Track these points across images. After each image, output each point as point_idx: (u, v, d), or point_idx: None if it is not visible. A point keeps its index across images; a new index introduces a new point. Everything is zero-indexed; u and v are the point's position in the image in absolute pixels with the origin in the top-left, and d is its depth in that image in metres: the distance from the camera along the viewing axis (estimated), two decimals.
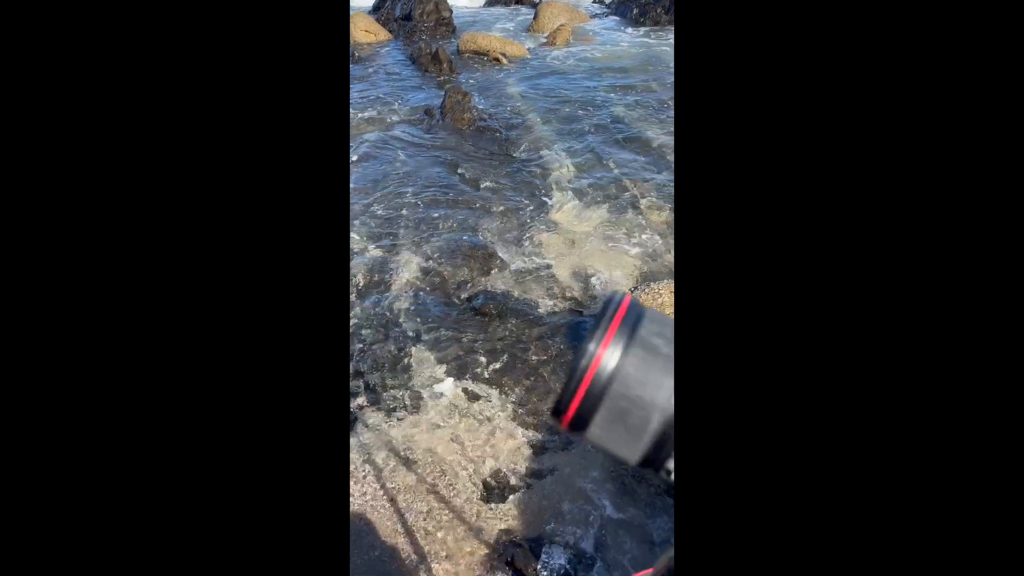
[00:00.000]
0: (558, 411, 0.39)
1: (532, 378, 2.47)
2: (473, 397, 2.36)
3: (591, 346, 0.37)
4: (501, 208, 3.82)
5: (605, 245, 3.51)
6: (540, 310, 2.86)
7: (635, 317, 0.38)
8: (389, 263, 3.22)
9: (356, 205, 3.81)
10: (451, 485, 2.02)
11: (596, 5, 10.18)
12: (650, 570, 0.66)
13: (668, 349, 0.37)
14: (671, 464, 0.36)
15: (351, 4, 10.15)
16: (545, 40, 7.92)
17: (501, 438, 2.19)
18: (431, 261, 3.25)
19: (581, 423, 0.38)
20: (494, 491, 2.01)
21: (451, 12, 9.00)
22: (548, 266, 3.25)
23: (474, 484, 2.03)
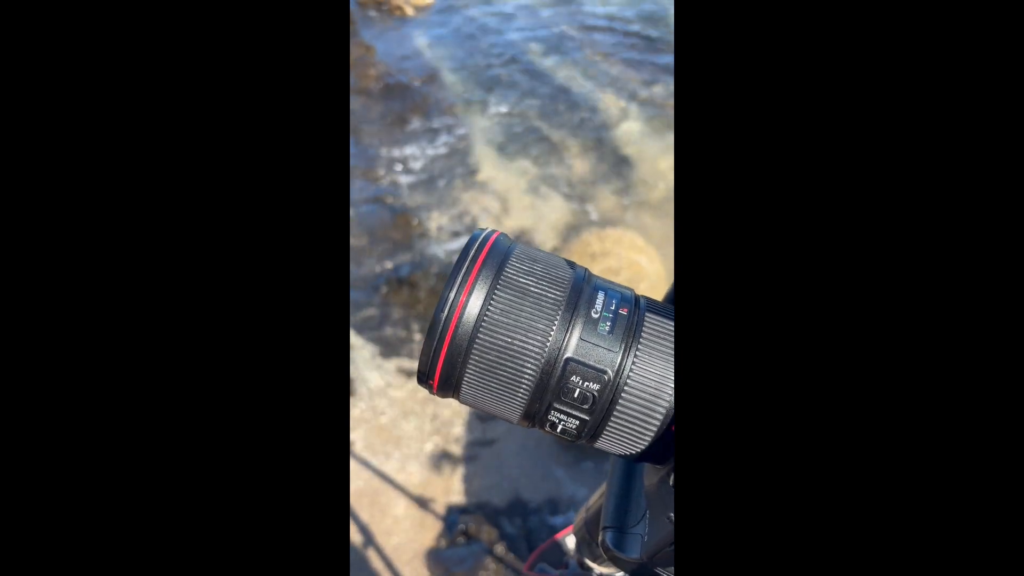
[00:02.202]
0: (424, 375, 0.34)
1: None
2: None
3: (450, 294, 0.32)
4: (419, 169, 3.61)
5: (532, 198, 3.43)
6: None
7: (502, 256, 0.33)
8: None
9: None
10: (395, 464, 1.96)
11: None
12: (571, 528, 0.68)
13: (539, 287, 0.32)
14: (552, 416, 0.33)
15: None
16: None
17: (443, 412, 2.14)
18: (351, 236, 3.04)
19: (451, 385, 0.33)
20: (440, 464, 1.97)
21: None
22: (475, 225, 3.14)
23: (420, 460, 1.99)
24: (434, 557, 1.76)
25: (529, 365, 0.32)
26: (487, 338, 0.32)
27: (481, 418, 2.13)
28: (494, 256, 0.33)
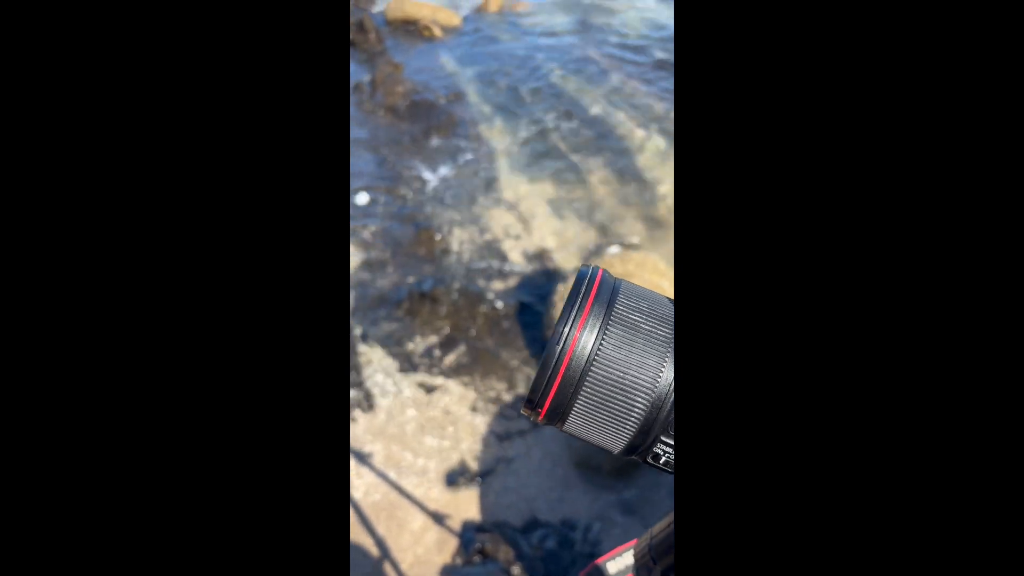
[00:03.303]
0: (532, 404, 0.35)
1: (489, 364, 2.42)
2: (429, 389, 2.29)
3: (565, 329, 0.33)
4: (443, 187, 3.68)
5: (554, 219, 3.47)
6: (492, 292, 2.80)
7: (610, 292, 0.35)
8: None
9: None
10: (413, 478, 1.97)
11: None
12: (632, 542, 0.66)
13: (648, 324, 0.33)
14: (658, 448, 0.33)
15: None
16: (478, 6, 7.61)
17: (462, 428, 2.14)
18: (374, 251, 3.09)
19: (558, 415, 0.35)
20: (459, 481, 1.98)
21: None
22: (497, 244, 3.18)
23: (437, 476, 1.99)
24: (450, 575, 1.75)
25: (640, 400, 0.33)
26: (599, 372, 0.33)
27: (499, 435, 2.13)
28: (603, 292, 0.34)
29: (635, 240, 3.19)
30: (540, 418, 0.35)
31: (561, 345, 0.33)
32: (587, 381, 0.33)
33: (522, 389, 2.32)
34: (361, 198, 3.64)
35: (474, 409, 2.23)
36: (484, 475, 2.00)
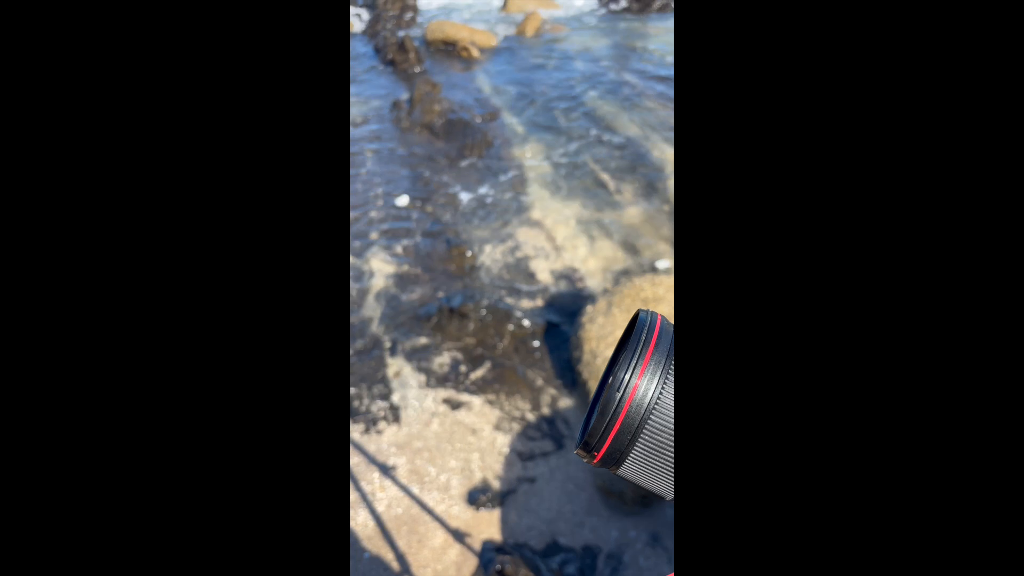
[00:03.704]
0: (588, 447, 0.35)
1: (514, 383, 2.43)
2: (455, 406, 2.31)
3: (625, 376, 0.33)
4: (475, 204, 3.74)
5: (585, 240, 3.48)
6: (520, 311, 2.81)
7: (669, 340, 0.35)
8: (362, 269, 3.13)
9: None
10: (435, 494, 1.98)
11: None
12: None
13: None
14: None
15: None
16: (514, 28, 7.78)
17: (486, 447, 2.15)
18: (405, 264, 3.16)
19: (614, 460, 0.35)
20: (480, 500, 1.97)
21: (416, 0, 8.77)
22: (526, 263, 3.20)
23: (459, 493, 1.99)
24: None
25: None
26: (659, 421, 0.33)
27: (522, 455, 2.13)
28: (664, 340, 0.35)
29: (665, 264, 3.17)
30: (595, 462, 0.36)
31: (621, 392, 0.33)
32: (646, 429, 0.33)
33: (547, 409, 2.32)
34: (402, 200, 3.77)
35: (498, 427, 2.23)
36: (506, 495, 1.99)
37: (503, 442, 2.17)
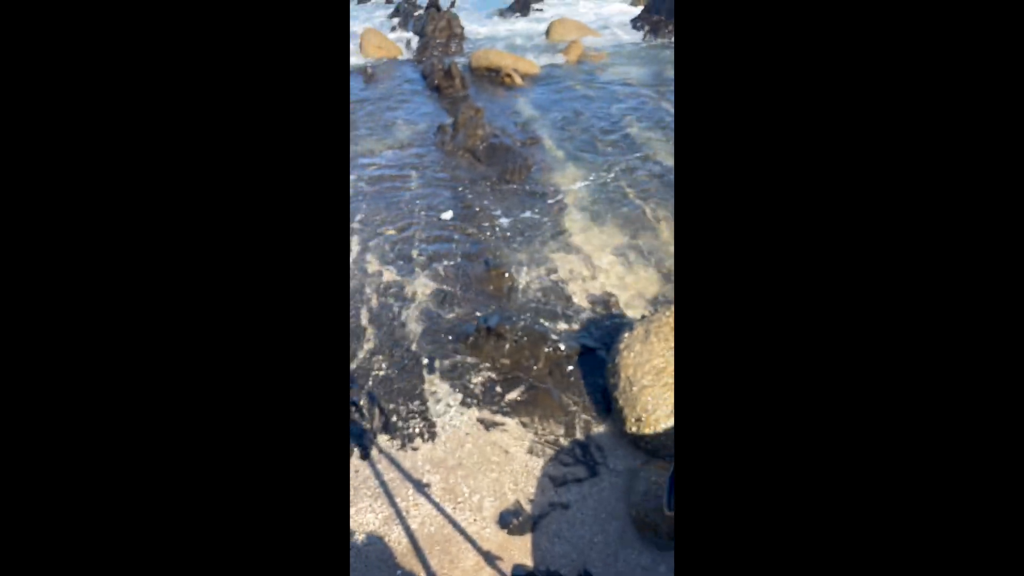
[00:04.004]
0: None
1: (548, 406, 2.43)
2: (490, 427, 2.33)
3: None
4: (515, 228, 3.81)
5: (620, 266, 3.48)
6: (555, 334, 2.83)
7: None
8: (403, 286, 3.22)
9: (369, 227, 3.82)
10: (468, 514, 1.99)
11: (608, 21, 10.25)
12: None
13: None
14: None
15: (366, 22, 10.30)
16: (557, 56, 7.96)
17: (519, 469, 2.15)
18: (445, 284, 3.24)
19: None
20: (513, 523, 1.97)
21: (463, 28, 9.10)
22: (563, 286, 3.23)
23: (491, 515, 2.00)
24: None
25: None
26: None
27: (555, 479, 2.12)
28: None
29: None
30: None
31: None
32: None
33: (580, 434, 2.31)
34: (447, 214, 3.91)
35: (531, 450, 2.24)
36: (538, 519, 1.99)
37: (536, 465, 2.17)
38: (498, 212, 4.01)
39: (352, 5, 13.16)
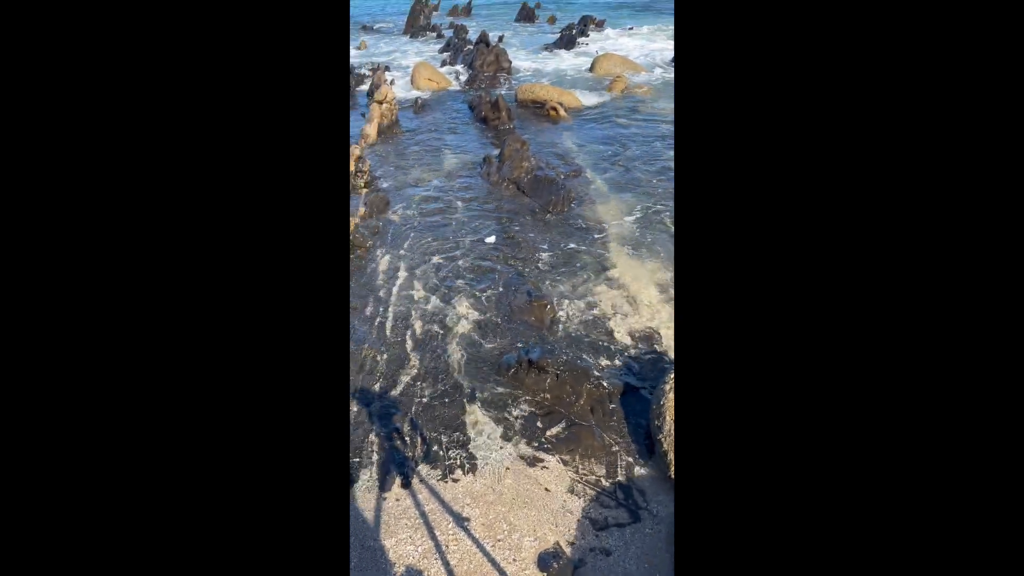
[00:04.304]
0: None
1: (590, 444, 2.40)
2: (531, 463, 2.31)
3: None
4: (557, 259, 3.84)
5: (663, 301, 3.44)
6: (598, 370, 2.80)
7: None
8: (447, 314, 3.27)
9: (416, 254, 3.92)
10: (507, 553, 1.96)
11: (653, 57, 10.38)
12: None
13: None
14: None
15: (421, 56, 10.78)
16: (601, 90, 8.09)
17: (559, 509, 2.12)
18: (487, 313, 3.27)
19: None
20: (551, 566, 1.93)
21: (510, 62, 9.40)
22: (605, 321, 3.21)
23: (530, 556, 1.96)
24: None
25: None
26: None
27: (596, 522, 2.07)
28: None
29: None
30: None
31: None
32: None
33: (622, 476, 2.26)
34: (490, 239, 3.99)
35: (572, 490, 2.20)
36: (578, 565, 1.94)
37: (576, 506, 2.13)
38: (541, 243, 4.05)
39: (404, 39, 13.83)
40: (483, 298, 3.42)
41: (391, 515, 2.08)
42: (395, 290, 3.51)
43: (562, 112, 6.95)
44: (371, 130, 6.10)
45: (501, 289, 3.50)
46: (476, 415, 2.55)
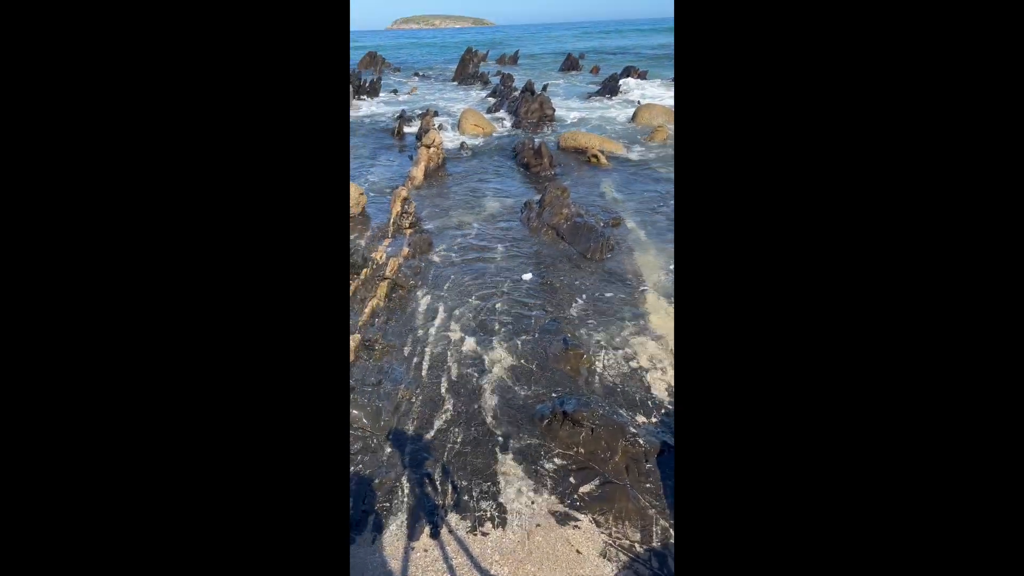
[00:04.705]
0: None
1: (624, 505, 2.31)
2: (562, 520, 2.25)
3: None
4: (594, 308, 3.82)
5: None
6: (634, 426, 2.73)
7: None
8: (483, 358, 3.29)
9: (455, 295, 3.99)
10: None
11: None
12: None
13: None
14: None
15: (468, 102, 11.29)
16: (643, 140, 8.22)
17: (590, 573, 2.04)
18: (523, 360, 3.27)
19: None
20: None
21: (554, 110, 9.71)
22: (643, 374, 3.15)
23: None
24: None
25: None
26: None
27: None
28: None
29: None
30: None
31: None
32: None
33: (657, 543, 2.16)
34: (527, 275, 4.05)
35: (604, 554, 2.11)
36: None
37: (608, 572, 2.04)
38: (578, 290, 4.06)
39: (453, 86, 14.54)
40: (519, 343, 3.42)
41: (418, 566, 2.05)
42: (433, 331, 3.57)
43: (603, 160, 7.07)
44: (418, 172, 6.36)
45: (537, 335, 3.50)
46: (508, 465, 2.51)
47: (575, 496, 2.35)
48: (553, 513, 2.27)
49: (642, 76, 14.38)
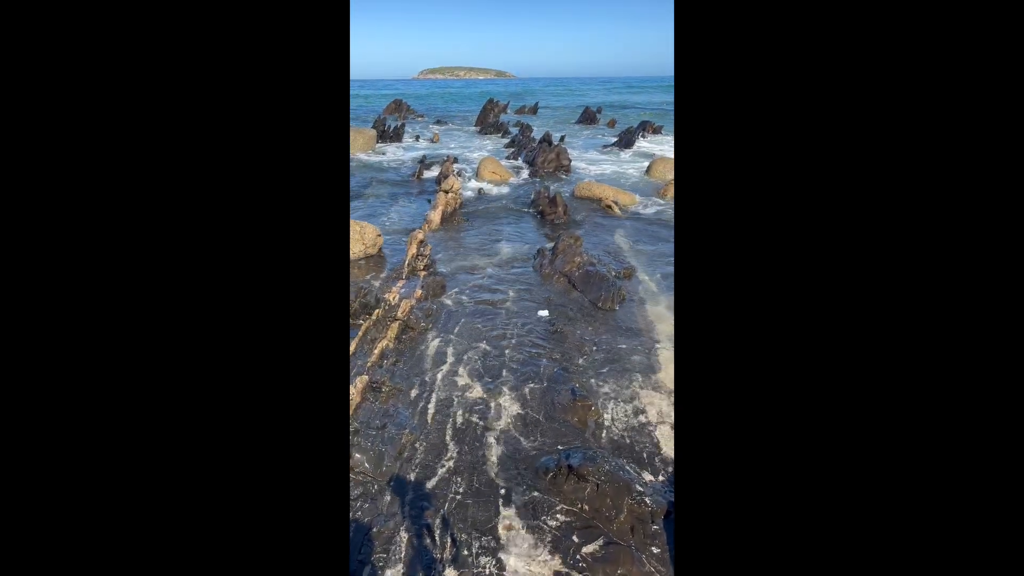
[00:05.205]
0: None
1: (629, 569, 2.22)
2: None
3: None
4: (604, 358, 3.80)
5: None
6: (641, 484, 2.66)
7: None
8: (489, 405, 3.26)
9: (464, 340, 4.01)
10: None
11: None
12: None
13: None
14: None
15: (487, 151, 11.69)
16: (656, 192, 8.38)
17: None
18: (530, 409, 3.23)
19: None
20: None
21: (570, 160, 9.99)
22: (652, 430, 3.08)
23: None
24: None
25: None
26: None
27: None
28: None
29: None
30: None
31: None
32: None
33: None
34: (543, 312, 4.05)
35: None
36: None
37: None
38: (588, 339, 4.05)
39: (474, 134, 15.10)
40: (526, 391, 3.40)
41: None
42: (440, 375, 3.56)
43: (617, 210, 7.20)
44: (435, 216, 6.53)
45: (545, 384, 3.48)
46: (510, 519, 2.44)
47: (578, 556, 2.27)
48: (555, 574, 2.19)
49: (657, 131, 14.81)
